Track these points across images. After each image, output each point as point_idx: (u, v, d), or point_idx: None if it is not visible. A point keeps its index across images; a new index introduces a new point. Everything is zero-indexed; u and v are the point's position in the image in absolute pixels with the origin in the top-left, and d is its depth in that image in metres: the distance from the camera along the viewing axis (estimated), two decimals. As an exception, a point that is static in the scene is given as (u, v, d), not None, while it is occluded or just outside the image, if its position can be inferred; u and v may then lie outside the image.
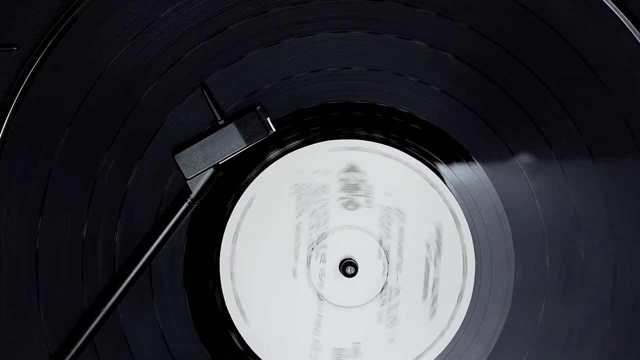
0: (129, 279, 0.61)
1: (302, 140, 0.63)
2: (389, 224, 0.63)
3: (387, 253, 0.63)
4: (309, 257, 0.64)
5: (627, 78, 0.60)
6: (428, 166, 0.63)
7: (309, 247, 0.63)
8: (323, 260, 0.63)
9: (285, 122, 0.63)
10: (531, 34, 0.60)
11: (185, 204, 0.61)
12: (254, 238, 0.63)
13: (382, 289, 0.63)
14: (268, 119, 0.61)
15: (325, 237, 0.63)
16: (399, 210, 0.63)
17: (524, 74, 0.60)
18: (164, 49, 0.61)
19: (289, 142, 0.63)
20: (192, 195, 0.61)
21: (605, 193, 0.61)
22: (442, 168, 0.63)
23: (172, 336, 0.64)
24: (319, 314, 0.64)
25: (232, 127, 0.60)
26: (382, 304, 0.64)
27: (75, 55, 0.60)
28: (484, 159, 0.62)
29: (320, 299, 0.64)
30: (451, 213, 0.63)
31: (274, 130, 0.61)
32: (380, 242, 0.63)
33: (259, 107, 0.61)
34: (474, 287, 0.63)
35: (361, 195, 0.63)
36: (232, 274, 0.64)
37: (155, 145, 0.62)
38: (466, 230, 0.63)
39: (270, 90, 0.62)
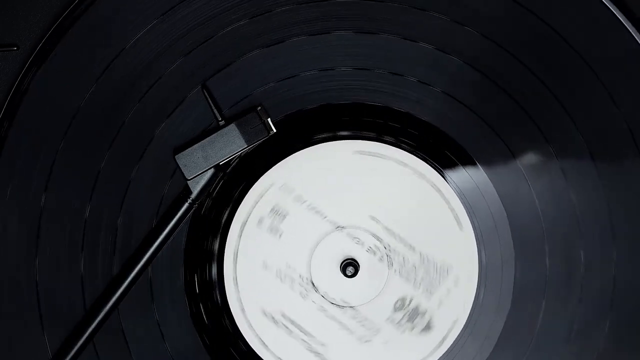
0: (129, 279, 0.61)
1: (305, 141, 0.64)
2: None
3: (389, 251, 0.63)
4: (310, 257, 0.64)
5: (627, 78, 0.60)
6: (432, 166, 0.63)
7: (312, 247, 0.63)
8: (327, 258, 0.64)
9: (287, 122, 0.63)
10: (531, 35, 0.60)
11: (186, 205, 0.61)
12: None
13: (384, 286, 0.64)
14: (269, 119, 0.61)
15: (330, 237, 0.63)
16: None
17: (525, 74, 0.61)
18: (164, 48, 0.61)
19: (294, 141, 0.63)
20: (193, 196, 0.61)
21: (605, 193, 0.61)
22: (444, 169, 0.63)
23: (172, 336, 0.64)
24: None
25: (232, 128, 0.60)
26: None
27: (75, 56, 0.60)
28: (485, 161, 0.62)
29: (323, 297, 0.64)
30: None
31: (274, 130, 0.61)
32: (382, 242, 0.63)
33: (259, 107, 0.61)
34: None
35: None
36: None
37: (155, 145, 0.62)
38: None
39: (270, 91, 0.62)
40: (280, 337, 0.64)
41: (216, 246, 0.64)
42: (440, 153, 0.63)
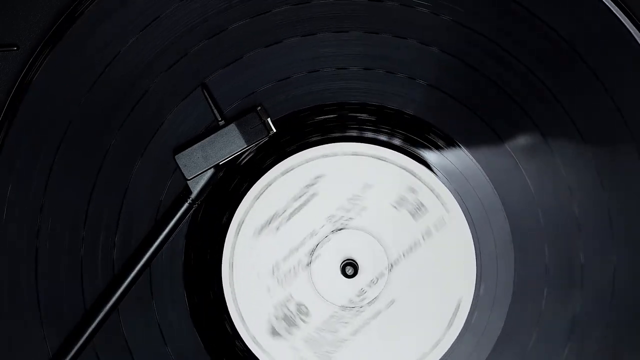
0: (129, 279, 0.61)
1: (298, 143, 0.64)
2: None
3: (386, 250, 0.63)
4: (310, 257, 0.64)
5: (627, 77, 0.60)
6: (428, 168, 0.63)
7: (310, 248, 0.63)
8: (327, 254, 0.63)
9: (285, 123, 0.63)
10: (531, 35, 0.60)
11: (186, 204, 0.61)
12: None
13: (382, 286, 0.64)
14: (269, 119, 0.61)
15: (328, 239, 0.63)
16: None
17: (525, 74, 0.60)
18: (164, 48, 0.61)
19: (288, 145, 0.63)
20: (193, 196, 0.61)
21: (605, 192, 0.61)
22: (442, 170, 0.63)
23: (172, 336, 0.64)
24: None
25: (232, 128, 0.60)
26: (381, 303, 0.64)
27: (75, 56, 0.60)
28: (485, 161, 0.62)
29: (323, 298, 0.64)
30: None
31: (274, 130, 0.61)
32: (380, 241, 0.63)
33: (259, 107, 0.61)
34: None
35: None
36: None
37: (155, 145, 0.62)
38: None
39: (270, 91, 0.62)
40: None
41: (216, 246, 0.64)
42: (443, 153, 0.63)
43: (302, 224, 0.63)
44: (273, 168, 0.63)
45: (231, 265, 0.64)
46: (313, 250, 0.63)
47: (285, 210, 0.63)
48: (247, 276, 0.64)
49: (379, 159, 0.63)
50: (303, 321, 0.64)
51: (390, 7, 0.60)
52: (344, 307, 0.64)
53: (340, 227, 0.63)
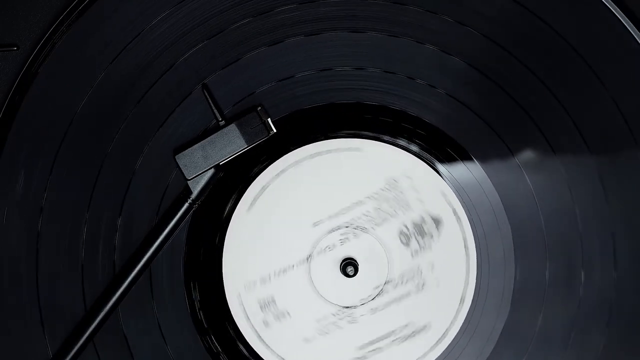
0: (129, 279, 0.61)
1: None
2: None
3: (388, 252, 0.63)
4: (309, 257, 0.64)
5: (627, 77, 0.60)
6: (430, 165, 0.63)
7: (311, 248, 0.63)
8: (327, 262, 0.64)
9: (286, 122, 0.63)
10: (532, 35, 0.60)
11: (186, 205, 0.61)
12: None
13: (385, 284, 0.64)
14: (269, 119, 0.61)
15: (329, 238, 0.63)
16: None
17: (525, 74, 0.61)
18: (164, 48, 0.61)
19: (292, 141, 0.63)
20: (193, 196, 0.61)
21: (605, 193, 0.61)
22: (443, 169, 0.63)
23: (172, 336, 0.64)
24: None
25: (232, 128, 0.60)
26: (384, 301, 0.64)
27: (75, 56, 0.60)
28: (485, 160, 0.62)
29: (323, 298, 0.64)
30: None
31: (274, 130, 0.61)
32: (382, 243, 0.63)
33: (259, 107, 0.61)
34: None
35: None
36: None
37: (155, 145, 0.62)
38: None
39: (270, 91, 0.62)
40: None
41: (216, 246, 0.64)
42: (444, 154, 0.63)
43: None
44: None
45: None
46: (315, 246, 0.63)
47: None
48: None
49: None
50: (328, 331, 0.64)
51: (409, 11, 0.60)
52: (351, 306, 0.64)
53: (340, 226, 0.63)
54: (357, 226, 0.63)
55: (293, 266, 0.64)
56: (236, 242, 0.63)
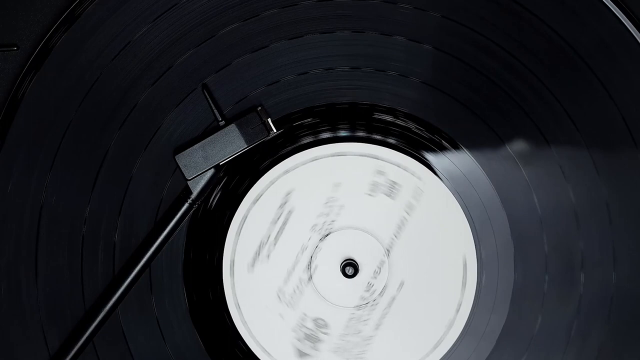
0: (129, 279, 0.61)
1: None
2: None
3: (387, 252, 0.63)
4: (309, 257, 0.64)
5: (627, 77, 0.60)
6: (429, 168, 0.63)
7: (310, 247, 0.63)
8: (324, 263, 0.63)
9: (287, 123, 0.63)
10: (532, 35, 0.60)
11: (186, 205, 0.61)
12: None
13: (384, 287, 0.64)
14: (269, 119, 0.61)
15: (328, 234, 0.63)
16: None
17: (526, 76, 0.61)
18: (164, 48, 0.61)
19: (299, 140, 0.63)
20: (193, 196, 0.60)
21: (604, 193, 0.61)
22: (443, 170, 0.63)
23: (172, 336, 0.64)
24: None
25: (232, 128, 0.60)
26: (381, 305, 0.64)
27: (75, 56, 0.60)
28: (485, 161, 0.62)
29: (335, 305, 0.64)
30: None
31: (274, 130, 0.61)
32: (379, 241, 0.63)
33: (259, 107, 0.61)
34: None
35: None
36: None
37: (155, 145, 0.62)
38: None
39: (270, 91, 0.62)
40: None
41: (216, 246, 0.64)
42: (444, 154, 0.63)
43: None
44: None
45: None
46: (309, 264, 0.63)
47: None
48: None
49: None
50: (325, 334, 0.64)
51: (376, 5, 0.60)
52: (358, 307, 0.64)
53: (327, 233, 0.63)
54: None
55: (297, 286, 0.64)
56: (236, 242, 0.63)
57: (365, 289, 0.63)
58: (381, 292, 0.63)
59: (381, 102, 0.62)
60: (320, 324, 0.64)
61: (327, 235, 0.63)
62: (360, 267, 0.63)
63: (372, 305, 0.64)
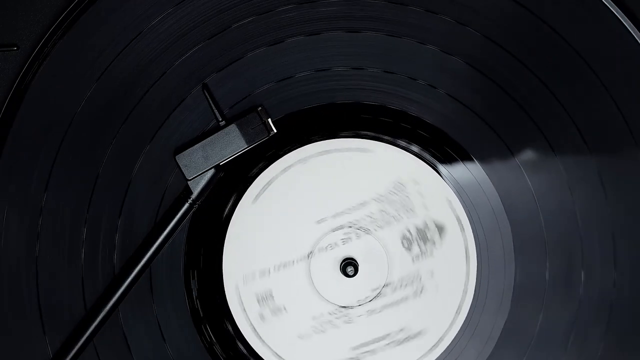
0: (129, 279, 0.61)
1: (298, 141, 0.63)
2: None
3: (388, 253, 0.63)
4: (309, 257, 0.64)
5: (627, 78, 0.60)
6: (430, 166, 0.63)
7: (313, 247, 0.63)
8: (326, 261, 0.64)
9: (287, 122, 0.63)
10: (532, 35, 0.60)
11: (186, 205, 0.61)
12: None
13: (384, 286, 0.64)
14: (269, 119, 0.61)
15: (329, 236, 0.63)
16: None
17: (525, 73, 0.61)
18: (164, 48, 0.61)
19: (290, 143, 0.63)
20: (193, 196, 0.60)
21: (605, 193, 0.61)
22: (443, 169, 0.63)
23: (172, 336, 0.64)
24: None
25: (233, 128, 0.60)
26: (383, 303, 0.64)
27: (75, 55, 0.60)
28: (486, 160, 0.62)
29: (323, 297, 0.64)
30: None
31: (275, 131, 0.61)
32: (384, 244, 0.63)
33: (260, 107, 0.61)
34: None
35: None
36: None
37: (155, 145, 0.62)
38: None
39: (271, 91, 0.62)
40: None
41: (216, 246, 0.64)
42: (444, 154, 0.63)
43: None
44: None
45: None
46: (315, 246, 0.63)
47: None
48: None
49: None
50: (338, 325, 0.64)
51: (409, 11, 0.60)
52: (349, 306, 0.64)
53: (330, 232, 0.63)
54: (360, 227, 0.63)
55: (293, 262, 0.64)
56: (236, 242, 0.63)
57: (364, 289, 0.64)
58: (381, 292, 0.63)
59: (387, 104, 0.63)
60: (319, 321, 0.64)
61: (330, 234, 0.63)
62: (360, 267, 0.63)
63: (369, 302, 0.64)
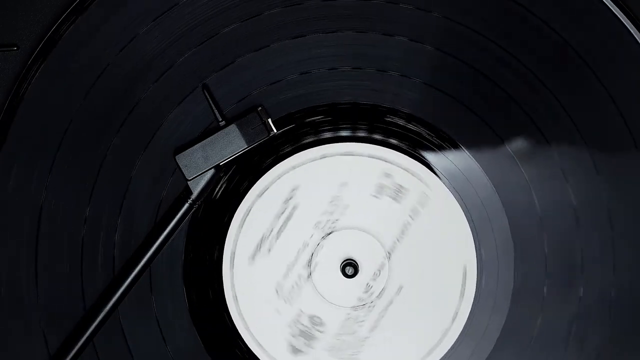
0: (129, 279, 0.61)
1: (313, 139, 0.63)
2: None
3: (388, 255, 0.63)
4: (308, 269, 0.64)
5: (626, 78, 0.60)
6: (430, 170, 0.63)
7: (306, 260, 0.63)
8: (324, 261, 0.64)
9: (286, 123, 0.63)
10: (532, 35, 0.60)
11: (186, 205, 0.61)
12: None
13: (382, 289, 0.64)
14: (269, 119, 0.61)
15: (330, 235, 0.63)
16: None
17: (525, 74, 0.61)
18: (164, 48, 0.61)
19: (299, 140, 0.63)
20: (193, 196, 0.60)
21: (605, 193, 0.61)
22: (444, 169, 0.63)
23: (172, 336, 0.64)
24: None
25: (233, 128, 0.60)
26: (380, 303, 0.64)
27: (75, 55, 0.60)
28: (486, 162, 0.62)
29: (332, 304, 0.64)
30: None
31: (275, 131, 0.61)
32: (381, 243, 0.63)
33: (260, 108, 0.61)
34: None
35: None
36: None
37: (155, 145, 0.62)
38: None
39: (271, 90, 0.62)
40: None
41: (216, 246, 0.64)
42: (443, 155, 0.63)
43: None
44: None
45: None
46: (310, 261, 0.63)
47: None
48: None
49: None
50: (320, 332, 0.64)
51: (379, 5, 0.60)
52: (355, 307, 0.64)
53: (329, 231, 0.63)
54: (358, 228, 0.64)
55: (295, 282, 0.64)
56: (238, 234, 0.63)
57: (364, 290, 0.64)
58: (380, 292, 0.63)
59: (382, 103, 0.62)
60: (316, 321, 0.64)
61: (329, 234, 0.63)
62: (360, 267, 0.63)
63: (370, 304, 0.64)
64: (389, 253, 0.63)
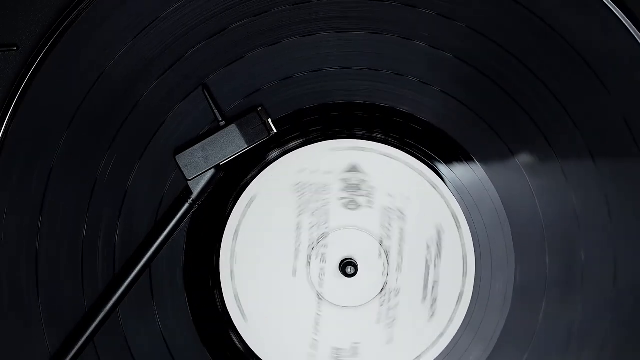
0: (129, 279, 0.61)
1: (302, 140, 0.63)
2: (389, 224, 0.63)
3: (387, 254, 0.63)
4: (309, 257, 0.64)
5: (627, 78, 0.60)
6: (428, 166, 0.63)
7: (309, 246, 0.63)
8: (323, 260, 0.64)
9: (286, 122, 0.63)
10: (531, 34, 0.60)
11: (186, 205, 0.61)
12: (255, 237, 0.63)
13: (382, 289, 0.64)
14: (269, 119, 0.61)
15: (326, 236, 0.63)
16: (399, 211, 0.63)
17: (524, 73, 0.61)
18: (164, 48, 0.61)
19: (289, 142, 0.63)
20: (193, 196, 0.61)
21: (605, 193, 0.61)
22: (443, 168, 0.63)
23: (172, 336, 0.64)
24: (318, 314, 0.64)
25: (233, 128, 0.60)
26: (382, 305, 0.64)
27: (76, 55, 0.60)
28: (484, 160, 0.62)
29: (320, 299, 0.64)
30: (452, 214, 0.63)
31: (275, 131, 0.61)
32: (381, 243, 0.63)
33: (260, 107, 0.61)
34: (474, 288, 0.63)
35: (362, 196, 0.63)
36: (232, 273, 0.64)
37: (155, 145, 0.62)
38: (466, 230, 0.63)
39: (271, 90, 0.62)
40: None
41: (216, 246, 0.64)
42: (441, 153, 0.63)
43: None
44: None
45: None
46: (314, 248, 0.63)
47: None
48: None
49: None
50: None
51: (395, 8, 0.60)
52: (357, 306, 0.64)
53: (326, 232, 0.63)
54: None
55: (293, 266, 0.64)
56: (236, 240, 0.63)
57: (363, 289, 0.64)
58: (380, 291, 0.64)
59: (379, 102, 0.62)
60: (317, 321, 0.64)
61: (329, 234, 0.63)
62: (359, 267, 0.63)
63: (370, 302, 0.64)
64: (386, 251, 0.63)
